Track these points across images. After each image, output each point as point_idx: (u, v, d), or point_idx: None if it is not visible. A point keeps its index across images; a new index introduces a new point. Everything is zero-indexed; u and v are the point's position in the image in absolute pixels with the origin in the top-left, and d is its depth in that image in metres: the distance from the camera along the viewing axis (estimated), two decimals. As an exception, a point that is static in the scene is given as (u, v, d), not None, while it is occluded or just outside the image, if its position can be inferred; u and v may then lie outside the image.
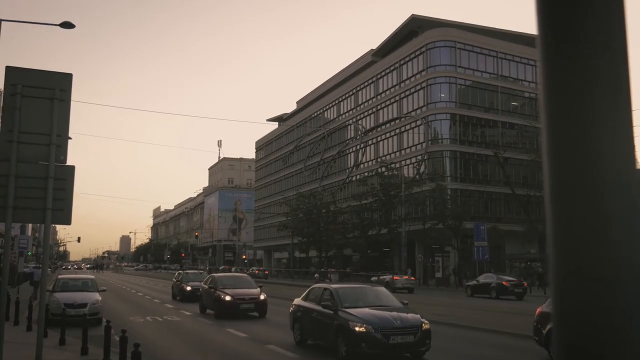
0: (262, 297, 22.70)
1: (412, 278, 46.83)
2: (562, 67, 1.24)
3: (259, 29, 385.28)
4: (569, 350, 1.22)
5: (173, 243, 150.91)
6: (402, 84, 64.69)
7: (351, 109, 75.81)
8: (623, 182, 1.20)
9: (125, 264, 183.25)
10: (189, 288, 30.90)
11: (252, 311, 22.44)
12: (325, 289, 14.86)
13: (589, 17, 1.22)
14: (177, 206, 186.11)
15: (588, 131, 1.20)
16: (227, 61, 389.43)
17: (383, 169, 60.21)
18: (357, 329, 12.24)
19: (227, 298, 22.25)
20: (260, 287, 24.22)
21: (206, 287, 24.80)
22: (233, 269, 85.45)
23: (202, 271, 40.51)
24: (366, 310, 12.98)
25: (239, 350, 15.24)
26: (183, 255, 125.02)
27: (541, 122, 1.28)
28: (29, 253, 56.56)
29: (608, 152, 1.20)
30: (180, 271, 38.70)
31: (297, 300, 16.04)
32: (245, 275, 27.86)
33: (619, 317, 1.17)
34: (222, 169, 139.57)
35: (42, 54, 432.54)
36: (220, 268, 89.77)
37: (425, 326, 12.60)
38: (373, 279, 50.63)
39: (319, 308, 14.10)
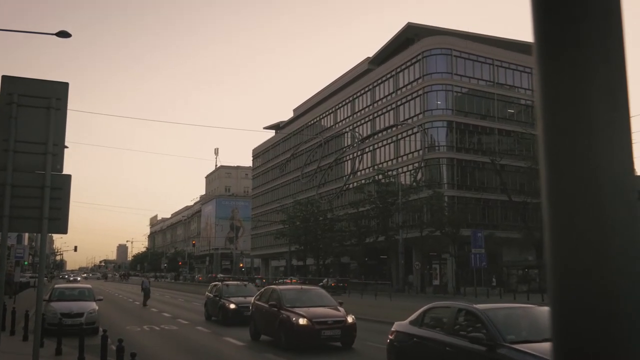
0: (349, 319, 16.15)
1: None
2: (558, 73, 1.24)
3: (255, 38, 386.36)
4: (567, 354, 1.21)
5: (170, 252, 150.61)
6: (399, 92, 64.86)
7: (348, 117, 75.94)
8: (621, 188, 1.19)
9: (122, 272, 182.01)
10: (232, 306, 23.40)
11: (336, 340, 16.02)
12: (461, 309, 9.95)
13: (586, 23, 1.21)
14: (174, 215, 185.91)
15: (585, 137, 1.20)
16: (224, 69, 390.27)
17: (380, 176, 60.26)
18: None
19: (303, 322, 15.56)
20: (341, 303, 17.92)
21: (264, 304, 17.84)
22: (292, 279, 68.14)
23: (246, 283, 30.94)
24: (547, 345, 7.21)
25: (236, 359, 15.18)
26: (180, 263, 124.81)
27: (538, 128, 1.27)
28: (25, 263, 56.40)
29: (606, 158, 1.19)
30: (217, 283, 29.75)
31: (403, 325, 11.13)
32: (318, 288, 21.03)
33: (617, 323, 1.17)
34: (219, 177, 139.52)
35: (40, 64, 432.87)
36: (279, 281, 69.55)
37: None
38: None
39: (458, 341, 9.11)
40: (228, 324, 22.74)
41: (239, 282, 30.47)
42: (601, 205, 1.19)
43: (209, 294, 26.93)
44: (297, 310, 16.09)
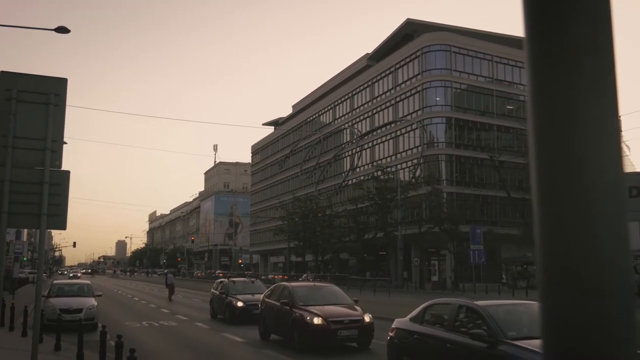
0: (367, 318, 15.21)
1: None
2: (548, 69, 1.25)
3: (254, 35, 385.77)
4: (557, 352, 1.22)
5: (169, 248, 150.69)
6: (398, 88, 64.82)
7: (347, 113, 75.91)
8: (610, 184, 1.20)
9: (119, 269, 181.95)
10: (240, 304, 22.33)
11: (352, 340, 15.09)
12: (461, 306, 9.93)
13: (575, 20, 1.23)
14: (173, 211, 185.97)
15: (575, 133, 1.21)
16: (223, 66, 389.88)
17: (379, 172, 60.26)
18: None
19: (317, 321, 14.69)
20: (356, 301, 16.89)
21: (275, 302, 16.89)
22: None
23: (253, 279, 28.90)
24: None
25: (235, 355, 15.22)
26: (179, 259, 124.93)
27: (528, 123, 1.29)
28: (24, 258, 56.46)
29: (595, 154, 1.20)
30: (222, 279, 28.21)
31: (403, 322, 11.04)
32: (332, 285, 19.74)
33: (606, 319, 1.18)
34: (218, 173, 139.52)
35: (39, 60, 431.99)
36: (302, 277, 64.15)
37: None
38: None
39: (459, 338, 9.12)
40: (235, 322, 21.61)
41: (246, 279, 29.07)
42: (590, 201, 1.19)
43: (215, 291, 25.71)
44: (311, 308, 15.21)
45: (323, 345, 14.78)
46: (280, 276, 71.78)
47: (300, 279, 57.16)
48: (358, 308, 15.78)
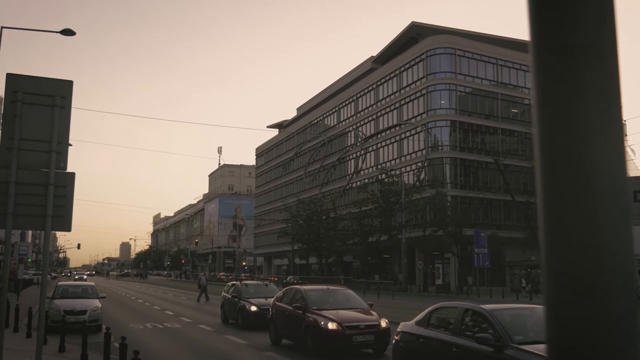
0: (383, 324, 14.51)
1: None
2: (553, 73, 1.26)
3: (259, 37, 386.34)
4: (561, 355, 1.23)
5: (173, 250, 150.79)
6: (402, 91, 64.81)
7: (351, 116, 75.91)
8: (614, 189, 1.20)
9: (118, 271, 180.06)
10: (253, 308, 21.22)
11: (368, 346, 14.52)
12: (467, 310, 9.85)
13: (580, 24, 1.23)
14: (177, 213, 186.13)
15: (579, 136, 1.22)
16: (228, 68, 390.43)
17: (383, 175, 60.24)
18: None
19: (332, 326, 14.11)
20: (371, 305, 16.25)
21: (287, 306, 16.30)
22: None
23: (267, 282, 27.47)
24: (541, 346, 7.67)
25: (238, 357, 15.22)
26: (183, 262, 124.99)
27: (533, 127, 1.29)
28: (29, 260, 56.57)
29: (599, 158, 1.20)
30: (234, 282, 27.06)
31: (409, 326, 10.96)
32: (345, 288, 18.78)
33: (610, 322, 1.18)
34: (222, 175, 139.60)
35: (45, 62, 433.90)
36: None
37: None
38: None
39: (465, 342, 9.09)
40: (249, 327, 20.70)
41: (259, 282, 27.91)
42: (595, 205, 1.20)
43: (226, 295, 24.58)
44: (324, 313, 14.63)
45: (338, 350, 14.23)
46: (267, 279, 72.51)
47: (285, 281, 57.31)
48: (374, 313, 15.19)
